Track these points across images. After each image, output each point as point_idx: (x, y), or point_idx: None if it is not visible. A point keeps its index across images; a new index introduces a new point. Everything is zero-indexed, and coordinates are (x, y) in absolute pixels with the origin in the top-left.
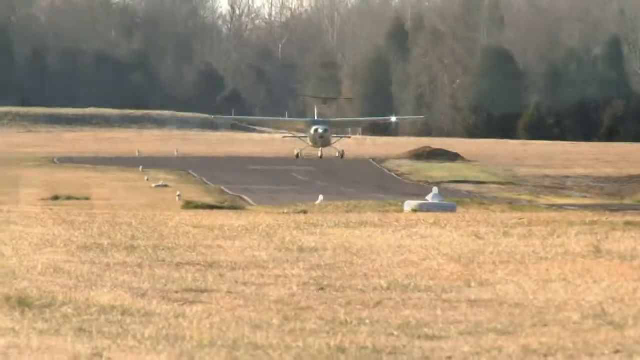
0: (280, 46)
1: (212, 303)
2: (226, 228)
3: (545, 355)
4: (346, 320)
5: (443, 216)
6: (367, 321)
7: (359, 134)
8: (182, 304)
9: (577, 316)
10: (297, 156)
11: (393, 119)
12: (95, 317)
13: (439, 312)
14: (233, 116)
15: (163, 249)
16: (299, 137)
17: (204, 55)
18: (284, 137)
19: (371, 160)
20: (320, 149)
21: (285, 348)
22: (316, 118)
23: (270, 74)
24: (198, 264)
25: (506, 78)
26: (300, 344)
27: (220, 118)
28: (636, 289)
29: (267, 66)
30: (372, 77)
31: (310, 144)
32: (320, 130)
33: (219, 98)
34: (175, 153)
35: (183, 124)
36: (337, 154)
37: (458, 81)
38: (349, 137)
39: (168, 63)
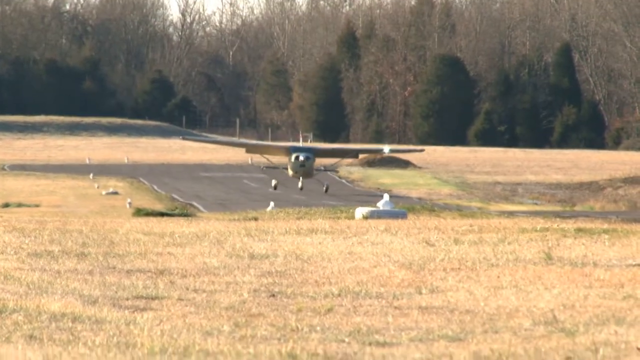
0: (231, 53)
1: (163, 310)
2: (177, 235)
3: None
4: (297, 327)
5: (394, 223)
6: (318, 328)
7: (310, 139)
8: (133, 311)
9: (528, 323)
10: (275, 187)
11: (386, 150)
12: (46, 324)
13: (390, 318)
14: (203, 138)
15: (114, 256)
16: (281, 168)
17: (154, 63)
18: (265, 167)
19: (322, 167)
20: (300, 179)
21: (236, 355)
22: (301, 144)
23: (221, 81)
24: (149, 271)
25: (457, 85)
26: (251, 350)
27: (189, 139)
28: (587, 296)
29: (218, 73)
30: (323, 84)
31: (290, 172)
32: (301, 158)
33: (169, 105)
34: (126, 160)
35: (134, 131)
36: (323, 187)
37: (409, 88)
38: (337, 172)
39: (119, 70)
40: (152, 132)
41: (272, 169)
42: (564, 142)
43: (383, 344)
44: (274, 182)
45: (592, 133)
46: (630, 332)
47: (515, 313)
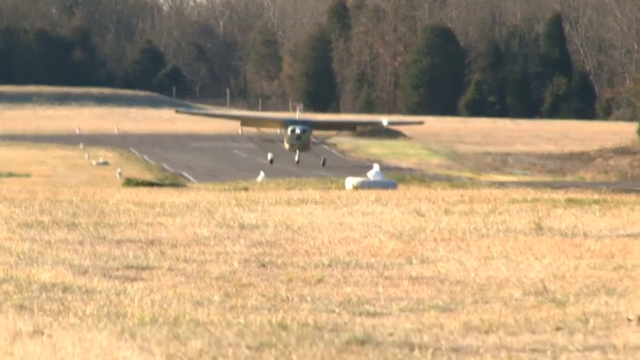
0: (221, 23)
1: (153, 280)
2: (167, 205)
3: (487, 332)
4: (287, 297)
5: (384, 193)
6: (309, 298)
7: (300, 110)
8: (123, 281)
9: (519, 293)
10: (271, 161)
11: (384, 122)
12: (36, 294)
13: (380, 289)
14: (197, 110)
15: (104, 227)
16: (277, 141)
17: (144, 33)
18: (260, 139)
19: (312, 137)
20: (297, 152)
21: (226, 324)
22: (297, 117)
23: (211, 51)
24: (139, 242)
25: (448, 56)
26: (242, 320)
27: (183, 112)
28: (577, 266)
29: (208, 43)
30: (313, 55)
31: (286, 146)
32: (297, 131)
33: (159, 75)
34: (116, 130)
35: (124, 102)
36: (320, 161)
37: (399, 59)
38: (334, 145)
39: (109, 40)
40: (142, 102)
41: (267, 142)
42: (554, 113)
43: (373, 314)
44: (270, 156)
45: (583, 103)
46: (621, 302)
47: (505, 283)
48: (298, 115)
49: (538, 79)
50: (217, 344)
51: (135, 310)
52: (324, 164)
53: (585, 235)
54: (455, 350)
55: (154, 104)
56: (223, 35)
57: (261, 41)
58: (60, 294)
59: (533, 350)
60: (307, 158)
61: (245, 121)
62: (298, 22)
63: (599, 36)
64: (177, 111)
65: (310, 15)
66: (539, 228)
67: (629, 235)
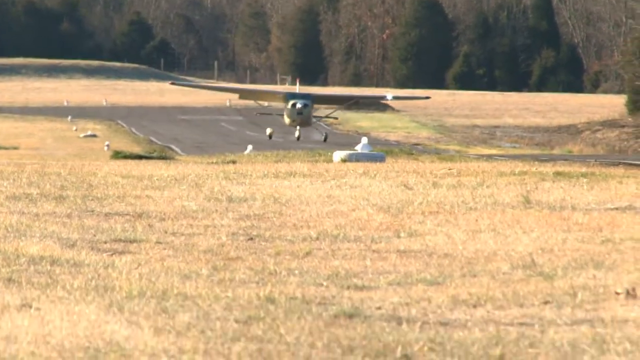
0: None
1: (141, 253)
2: (155, 178)
3: (475, 306)
4: (275, 271)
5: (372, 166)
6: (297, 271)
7: (288, 82)
8: (111, 254)
9: (507, 267)
10: (270, 136)
11: (389, 96)
12: (24, 267)
13: (368, 262)
14: (193, 83)
15: (92, 199)
16: (277, 114)
17: (133, 5)
18: (258, 113)
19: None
20: (297, 128)
21: (214, 298)
22: (297, 90)
23: (199, 23)
24: (127, 214)
25: (436, 28)
26: (230, 294)
27: (179, 84)
28: (565, 240)
29: (197, 15)
30: (302, 27)
31: (286, 121)
32: (299, 105)
33: (148, 47)
34: (104, 103)
35: (112, 74)
36: (322, 136)
37: (388, 31)
38: (337, 119)
39: (97, 12)
40: (131, 74)
41: (266, 115)
42: (542, 86)
43: (361, 288)
44: (268, 131)
45: (571, 76)
46: (609, 276)
47: (493, 257)
48: (298, 88)
49: (526, 51)
50: (205, 318)
51: (123, 283)
52: (325, 139)
53: (573, 208)
54: (443, 323)
55: (142, 76)
56: (211, 7)
57: (249, 13)
58: (48, 267)
59: (521, 324)
60: (307, 133)
61: (243, 94)
62: None
63: (587, 9)
64: (172, 83)
65: None
66: (526, 201)
67: (616, 209)
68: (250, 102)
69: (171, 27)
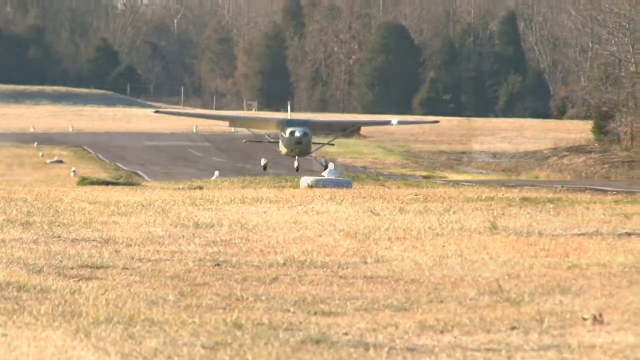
0: (175, 21)
1: (108, 279)
2: (122, 204)
3: (442, 331)
4: (242, 296)
5: (339, 192)
6: (263, 297)
7: (254, 108)
8: (78, 280)
9: (474, 292)
10: (265, 167)
11: (394, 122)
12: None
13: (335, 288)
14: (178, 111)
15: (59, 225)
16: (268, 141)
17: (99, 31)
18: (247, 141)
19: (266, 136)
20: (296, 158)
21: (181, 324)
22: (289, 116)
23: (165, 49)
24: (94, 240)
25: (402, 54)
26: (197, 319)
27: (163, 112)
28: (532, 265)
29: (163, 41)
30: (268, 53)
31: (283, 150)
32: (297, 134)
33: (114, 73)
34: (70, 129)
35: (78, 100)
36: (322, 166)
37: (354, 57)
38: (333, 145)
39: (64, 38)
40: (97, 100)
41: (255, 142)
42: (509, 111)
43: (328, 314)
44: (263, 161)
45: (537, 102)
46: (576, 301)
47: (460, 282)
48: (290, 113)
49: (493, 77)
50: (172, 344)
51: (90, 309)
52: (326, 167)
53: (540, 234)
54: (410, 349)
55: (109, 102)
56: (177, 34)
57: (215, 39)
58: (15, 293)
59: (488, 350)
60: (305, 163)
61: (234, 122)
62: (252, 20)
63: (553, 34)
64: (156, 111)
65: (264, 14)
66: (493, 227)
67: (583, 234)
68: (217, 128)
69: (137, 53)
